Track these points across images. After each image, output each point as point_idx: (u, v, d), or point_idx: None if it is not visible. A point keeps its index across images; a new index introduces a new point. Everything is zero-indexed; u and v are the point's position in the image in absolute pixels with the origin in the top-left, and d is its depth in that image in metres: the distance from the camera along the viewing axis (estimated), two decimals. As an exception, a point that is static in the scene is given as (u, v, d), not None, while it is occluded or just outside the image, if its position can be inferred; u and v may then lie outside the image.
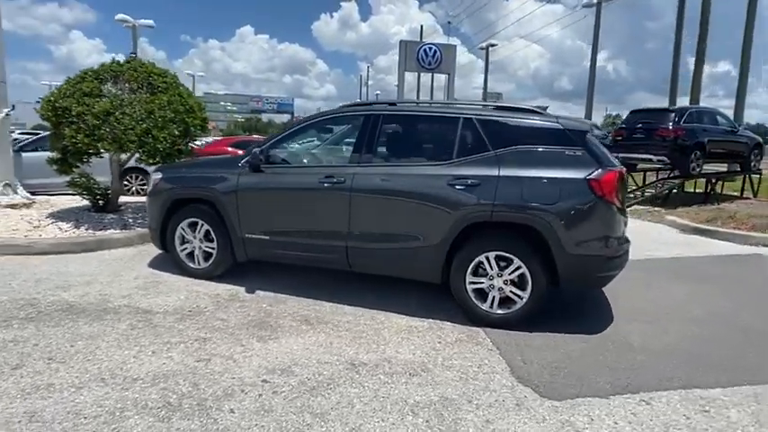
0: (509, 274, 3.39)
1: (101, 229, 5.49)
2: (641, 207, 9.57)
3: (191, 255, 4.35)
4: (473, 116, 3.56)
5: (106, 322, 3.34)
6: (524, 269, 3.33)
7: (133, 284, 4.13)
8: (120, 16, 21.93)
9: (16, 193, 6.59)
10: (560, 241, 3.23)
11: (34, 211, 6.21)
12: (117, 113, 5.26)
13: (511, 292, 3.41)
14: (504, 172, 3.37)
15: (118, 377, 2.63)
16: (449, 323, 3.53)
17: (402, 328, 3.42)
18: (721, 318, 3.82)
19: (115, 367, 2.73)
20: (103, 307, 3.61)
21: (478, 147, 3.49)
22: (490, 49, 31.31)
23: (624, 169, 3.53)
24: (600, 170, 3.25)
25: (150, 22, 23.27)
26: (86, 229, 5.46)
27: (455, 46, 26.24)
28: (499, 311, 3.45)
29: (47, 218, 5.83)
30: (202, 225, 4.23)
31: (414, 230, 3.57)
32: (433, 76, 35.31)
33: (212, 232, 4.19)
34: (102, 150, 5.35)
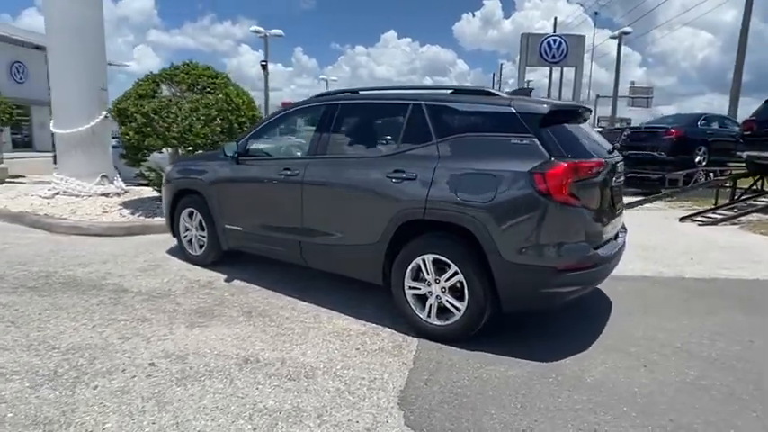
0: (446, 281, 2.93)
1: (150, 216, 6.20)
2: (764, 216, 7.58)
3: (190, 242, 4.65)
4: (422, 102, 3.15)
5: (85, 297, 3.73)
6: (461, 276, 2.84)
7: (137, 266, 4.56)
8: (253, 28, 24.68)
9: (112, 183, 7.80)
10: (496, 246, 2.68)
11: (118, 199, 7.27)
12: (162, 113, 5.87)
13: (447, 301, 2.94)
14: (442, 164, 2.92)
15: (43, 345, 2.90)
16: (389, 330, 3.19)
17: (333, 331, 3.19)
18: (741, 365, 2.79)
19: (50, 336, 3.03)
20: (96, 284, 4.04)
21: (423, 135, 3.08)
22: (624, 37, 27.91)
23: (597, 162, 2.81)
24: (547, 162, 2.63)
25: (279, 31, 25.68)
26: (139, 216, 6.22)
27: (583, 36, 23.94)
28: (437, 322, 3.00)
29: (120, 205, 6.79)
30: (196, 214, 4.49)
31: (356, 227, 3.30)
32: (562, 71, 32.93)
33: (203, 221, 4.43)
34: (150, 146, 6.03)
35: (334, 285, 3.95)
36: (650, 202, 9.02)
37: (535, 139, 2.69)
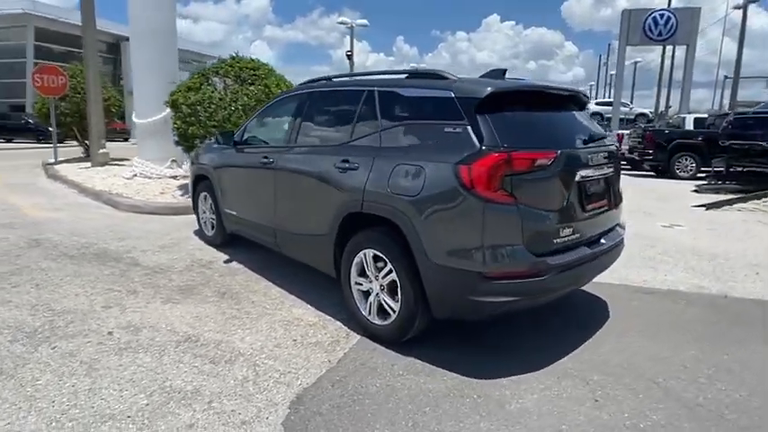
0: (383, 279, 2.80)
1: (196, 199, 6.76)
2: None
3: (206, 223, 5.01)
4: (375, 88, 3.01)
5: (102, 268, 4.21)
6: (395, 275, 2.70)
7: (161, 243, 5.03)
8: (340, 19, 25.38)
9: (180, 167, 8.64)
10: (422, 244, 2.49)
11: (177, 182, 8.04)
12: (205, 104, 6.33)
13: (384, 300, 2.81)
14: (381, 154, 2.78)
15: (44, 306, 3.35)
16: (339, 324, 3.15)
17: (285, 319, 3.24)
18: (733, 418, 2.25)
19: (54, 300, 3.48)
20: (118, 257, 4.54)
21: (372, 123, 2.96)
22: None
23: (544, 153, 2.43)
24: (476, 152, 2.35)
25: (364, 21, 26.13)
26: (186, 197, 6.81)
27: (698, 9, 20.77)
28: (377, 321, 2.89)
29: (177, 187, 7.50)
30: (208, 198, 4.81)
31: (312, 217, 3.29)
32: (674, 49, 29.15)
33: (212, 205, 4.73)
34: (194, 135, 6.54)
35: (318, 274, 3.97)
36: (744, 201, 7.65)
37: (468, 127, 2.42)
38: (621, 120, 24.65)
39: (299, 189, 3.40)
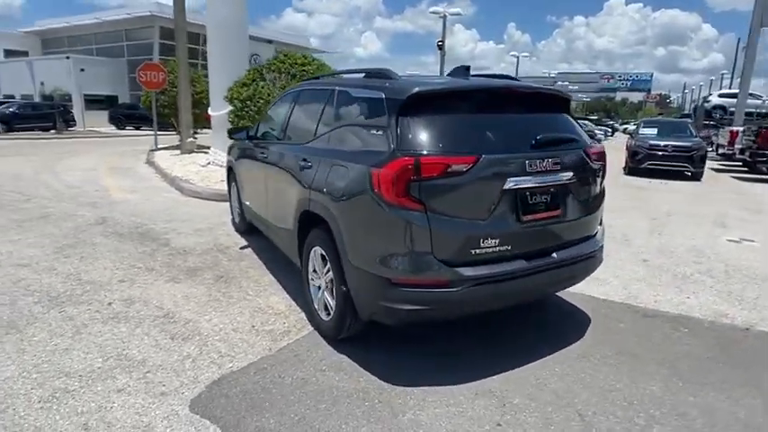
0: (325, 276, 2.89)
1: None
2: None
3: (234, 212, 5.46)
4: (336, 88, 3.07)
5: (138, 246, 4.82)
6: (332, 274, 2.77)
7: (198, 227, 5.59)
8: (433, 9, 25.11)
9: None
10: (345, 246, 2.53)
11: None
12: (255, 98, 6.82)
13: (326, 297, 2.90)
14: (326, 153, 2.86)
15: (75, 276, 3.96)
16: (302, 316, 3.30)
17: (258, 307, 3.46)
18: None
19: (86, 271, 4.09)
20: (156, 237, 5.16)
21: (328, 123, 3.05)
22: None
23: (460, 159, 2.30)
24: (386, 157, 2.32)
25: (458, 10, 25.59)
26: (239, 186, 7.42)
27: None
28: (322, 316, 2.99)
29: (237, 176, 8.18)
30: (234, 187, 5.24)
31: (283, 211, 3.45)
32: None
33: (237, 194, 5.15)
34: (244, 127, 7.08)
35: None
36: None
37: (388, 130, 2.39)
38: (750, 114, 21.26)
39: (277, 183, 3.60)
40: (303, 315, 3.31)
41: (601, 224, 3.03)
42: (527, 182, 2.47)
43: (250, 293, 3.70)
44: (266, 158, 3.91)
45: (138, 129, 26.67)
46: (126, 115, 26.87)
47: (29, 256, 4.43)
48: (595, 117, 48.93)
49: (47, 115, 21.95)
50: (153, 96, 12.67)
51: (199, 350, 2.83)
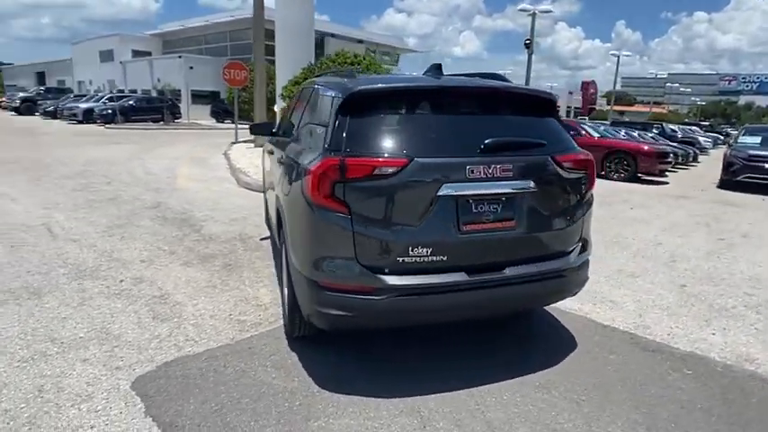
0: (286, 273, 2.92)
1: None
2: None
3: (265, 204, 5.72)
4: (315, 86, 3.10)
5: (174, 230, 5.26)
6: (285, 273, 2.80)
7: (234, 216, 5.95)
8: (521, 6, 23.98)
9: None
10: (287, 246, 2.54)
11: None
12: (302, 96, 7.08)
13: (286, 294, 2.93)
14: (292, 150, 2.88)
15: (108, 254, 4.44)
16: (279, 310, 3.38)
17: (246, 297, 3.60)
18: None
19: (120, 249, 4.56)
20: (193, 223, 5.58)
21: (303, 120, 3.11)
22: None
23: (387, 161, 2.20)
24: (317, 157, 2.29)
25: (548, 8, 24.12)
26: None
27: None
28: (286, 313, 3.03)
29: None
30: (265, 181, 5.49)
31: (273, 208, 3.54)
32: None
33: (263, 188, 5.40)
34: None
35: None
36: None
37: (328, 129, 2.36)
38: None
39: (270, 178, 3.71)
40: (280, 310, 3.39)
41: (583, 241, 2.72)
42: (467, 189, 2.28)
43: (246, 283, 3.87)
44: (272, 153, 4.05)
45: (233, 122, 28.99)
46: (224, 110, 29.28)
47: (82, 232, 5.04)
48: (708, 123, 43.47)
49: (157, 108, 24.69)
50: (235, 93, 13.68)
51: (170, 332, 3.02)
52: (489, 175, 2.30)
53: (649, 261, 4.81)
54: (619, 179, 11.12)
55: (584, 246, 2.72)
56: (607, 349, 2.95)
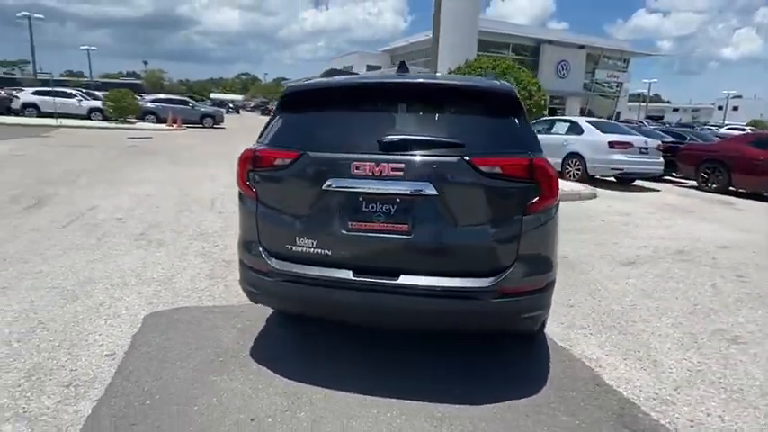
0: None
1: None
2: None
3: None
4: None
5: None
6: None
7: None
8: None
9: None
10: None
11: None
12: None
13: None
14: None
15: (155, 225, 5.53)
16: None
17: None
18: None
19: (168, 222, 5.62)
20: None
21: None
22: None
23: (280, 153, 2.35)
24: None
25: None
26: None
27: None
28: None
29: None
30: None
31: None
32: None
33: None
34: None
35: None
36: None
37: (271, 123, 2.56)
38: None
39: None
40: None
41: (524, 265, 2.21)
42: (352, 185, 2.19)
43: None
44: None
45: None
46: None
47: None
48: None
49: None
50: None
51: (158, 296, 3.63)
52: (377, 174, 2.16)
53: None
54: None
55: (532, 271, 2.23)
56: (569, 411, 2.32)
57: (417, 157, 2.18)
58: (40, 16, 38.93)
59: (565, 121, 11.03)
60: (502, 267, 2.19)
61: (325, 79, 2.88)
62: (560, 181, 10.20)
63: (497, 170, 2.14)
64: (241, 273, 2.58)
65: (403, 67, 2.78)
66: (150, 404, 2.23)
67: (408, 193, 2.17)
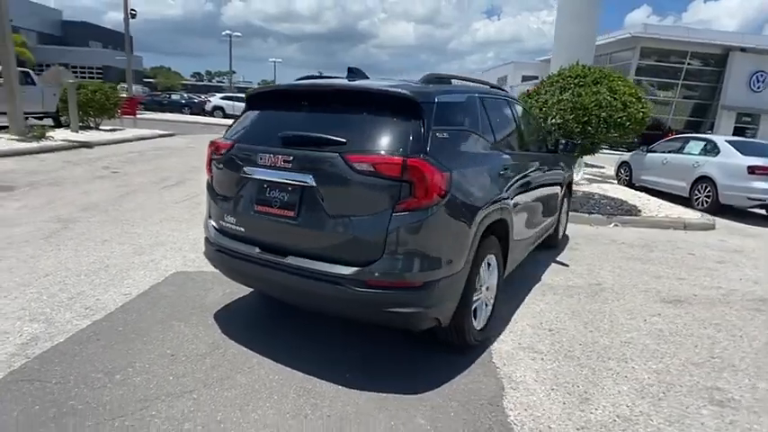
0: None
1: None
2: None
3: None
4: None
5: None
6: None
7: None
8: None
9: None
10: None
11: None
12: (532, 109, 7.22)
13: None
14: None
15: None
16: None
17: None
18: None
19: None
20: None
21: None
22: None
23: (223, 144, 2.88)
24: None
25: None
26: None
27: None
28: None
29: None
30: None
31: None
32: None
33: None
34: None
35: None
36: None
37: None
38: None
39: None
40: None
41: (387, 257, 2.33)
42: (257, 173, 2.63)
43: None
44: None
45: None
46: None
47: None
48: None
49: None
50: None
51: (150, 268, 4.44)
52: (273, 164, 2.55)
53: None
54: None
55: (403, 268, 2.33)
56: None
57: (304, 151, 2.51)
58: (239, 34, 47.84)
59: (700, 139, 9.35)
60: (368, 260, 2.36)
61: (267, 85, 3.38)
62: (659, 205, 9.12)
63: (369, 167, 2.33)
64: (204, 248, 3.19)
65: (351, 73, 3.06)
66: (121, 330, 2.97)
67: (295, 182, 2.51)
